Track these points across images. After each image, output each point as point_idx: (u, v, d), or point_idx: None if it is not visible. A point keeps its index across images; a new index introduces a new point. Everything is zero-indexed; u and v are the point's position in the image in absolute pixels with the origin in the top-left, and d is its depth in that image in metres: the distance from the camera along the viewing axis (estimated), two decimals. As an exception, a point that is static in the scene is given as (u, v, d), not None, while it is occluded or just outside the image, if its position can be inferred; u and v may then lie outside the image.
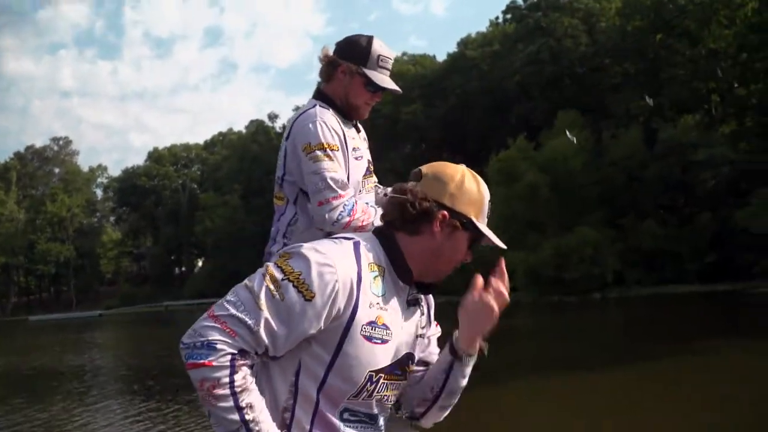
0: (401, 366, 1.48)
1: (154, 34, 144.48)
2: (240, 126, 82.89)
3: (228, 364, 1.26)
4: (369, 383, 1.40)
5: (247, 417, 1.25)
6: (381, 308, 1.41)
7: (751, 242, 26.41)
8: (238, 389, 1.26)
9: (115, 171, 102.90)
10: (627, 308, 23.17)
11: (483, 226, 1.49)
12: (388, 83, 2.26)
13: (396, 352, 1.46)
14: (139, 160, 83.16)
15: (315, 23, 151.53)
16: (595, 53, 39.16)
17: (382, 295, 1.42)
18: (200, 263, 74.08)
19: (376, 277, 1.41)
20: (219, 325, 1.28)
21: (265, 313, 1.29)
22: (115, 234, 79.07)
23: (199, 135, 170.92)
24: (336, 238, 1.47)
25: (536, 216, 31.32)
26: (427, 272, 1.49)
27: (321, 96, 2.25)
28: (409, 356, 1.51)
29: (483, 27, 55.77)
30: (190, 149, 79.35)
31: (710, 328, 15.26)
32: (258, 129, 70.42)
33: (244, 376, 1.28)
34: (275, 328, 1.30)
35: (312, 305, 1.31)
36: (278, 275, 1.34)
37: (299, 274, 1.32)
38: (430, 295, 1.62)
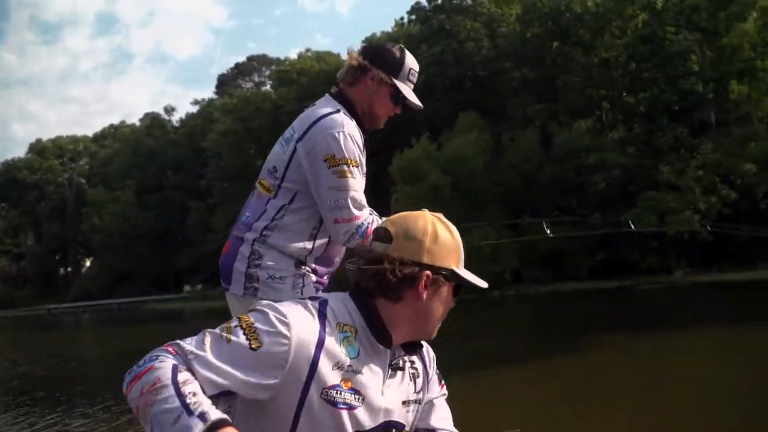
0: None
1: (41, 19, 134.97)
2: (136, 119, 78.70)
3: (170, 366, 1.20)
4: None
5: (188, 400, 1.13)
6: (351, 371, 1.32)
7: (637, 242, 28.11)
8: (180, 381, 1.16)
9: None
10: (527, 304, 23.82)
11: (464, 272, 1.42)
12: (415, 99, 2.23)
13: (369, 419, 1.34)
14: (23, 152, 77.12)
15: (217, 15, 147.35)
16: (496, 57, 40.21)
17: (353, 357, 1.33)
18: (88, 263, 69.75)
19: (346, 337, 1.34)
20: (163, 347, 1.26)
21: (209, 349, 1.25)
22: (-9, 231, 72.70)
23: (92, 128, 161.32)
24: (303, 299, 1.39)
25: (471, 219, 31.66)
26: (416, 333, 1.42)
27: (343, 100, 2.17)
28: (391, 424, 1.39)
29: (388, 27, 56.07)
30: (77, 142, 74.50)
31: (606, 322, 15.85)
32: (153, 122, 67.27)
33: (186, 375, 1.19)
34: (215, 362, 1.23)
35: (256, 355, 1.24)
36: (233, 323, 1.30)
37: (252, 323, 1.28)
38: (428, 353, 1.52)
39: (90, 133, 77.84)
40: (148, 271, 58.00)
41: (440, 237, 1.38)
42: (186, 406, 1.12)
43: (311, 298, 1.38)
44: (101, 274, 59.19)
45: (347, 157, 2.03)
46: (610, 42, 34.57)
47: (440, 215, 1.45)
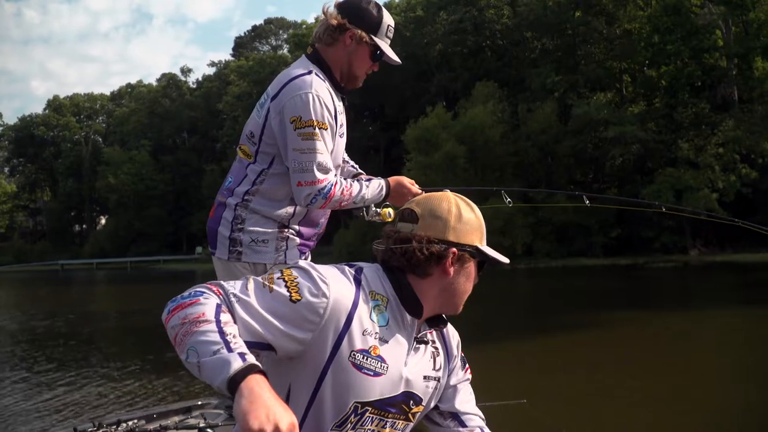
0: (396, 404, 1.41)
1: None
2: (154, 80, 78.40)
3: (214, 303, 1.24)
4: (353, 414, 1.36)
5: (228, 338, 1.17)
6: (379, 339, 1.37)
7: (653, 219, 27.76)
8: (222, 321, 1.20)
9: (12, 119, 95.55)
10: (537, 278, 23.72)
11: (487, 248, 1.47)
12: (393, 55, 2.22)
13: (391, 387, 1.39)
14: (41, 109, 77.21)
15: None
16: (516, 26, 39.41)
17: (382, 326, 1.38)
18: (103, 221, 70.40)
19: (377, 305, 1.39)
20: (206, 284, 1.31)
21: (252, 294, 1.30)
22: (9, 186, 73.35)
23: (111, 87, 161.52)
24: (341, 264, 1.44)
25: (453, 186, 31.40)
26: (444, 308, 1.47)
27: (318, 60, 2.15)
28: (410, 396, 1.44)
29: (407, -9, 54.94)
30: (94, 99, 74.40)
31: (617, 298, 15.75)
32: (170, 83, 66.97)
33: (229, 317, 1.24)
34: (256, 306, 1.28)
35: (295, 307, 1.29)
36: (275, 275, 1.35)
37: (295, 278, 1.33)
38: (453, 336, 1.57)
39: (107, 92, 77.86)
40: (163, 232, 58.43)
41: (464, 216, 1.44)
42: (227, 343, 1.16)
43: (348, 265, 1.44)
44: (116, 233, 59.63)
45: (314, 119, 2.01)
46: (633, 13, 33.76)
47: (462, 195, 1.51)
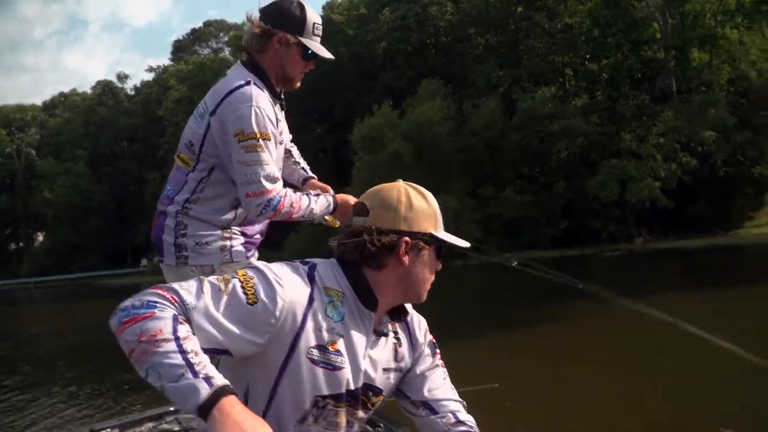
0: (356, 396, 1.42)
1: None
2: (89, 88, 75.74)
3: (170, 316, 1.20)
4: (315, 408, 1.38)
5: (191, 359, 1.16)
6: (336, 334, 1.37)
7: (600, 210, 28.17)
8: (181, 336, 1.18)
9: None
10: (490, 273, 23.59)
11: (443, 234, 1.48)
12: (325, 52, 2.20)
13: (350, 381, 1.40)
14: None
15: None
16: (460, 23, 39.43)
17: (338, 321, 1.38)
18: (41, 237, 67.41)
19: (332, 301, 1.39)
20: (159, 291, 1.25)
21: (208, 299, 1.27)
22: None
23: (45, 97, 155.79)
24: (295, 261, 1.44)
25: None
26: (406, 297, 1.48)
27: (254, 67, 2.15)
28: (369, 387, 1.45)
29: (349, -9, 54.55)
30: (25, 110, 71.25)
31: (568, 288, 15.64)
32: (105, 90, 64.71)
33: (187, 329, 1.20)
34: (213, 312, 1.25)
35: (252, 311, 1.28)
36: (230, 276, 1.34)
37: (250, 278, 1.32)
38: (419, 324, 1.57)
39: (39, 102, 74.74)
40: (104, 245, 56.25)
41: (414, 204, 1.44)
42: (191, 366, 1.14)
43: (302, 262, 1.42)
44: (54, 249, 57.20)
45: (257, 131, 2.03)
46: (574, 7, 34.18)
47: (414, 184, 1.49)
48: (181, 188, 2.18)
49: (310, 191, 2.37)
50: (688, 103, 28.90)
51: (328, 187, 2.45)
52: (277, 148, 2.14)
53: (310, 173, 2.56)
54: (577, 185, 29.28)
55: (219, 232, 2.18)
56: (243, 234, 2.24)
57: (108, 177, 57.51)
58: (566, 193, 29.87)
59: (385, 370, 1.47)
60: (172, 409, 2.73)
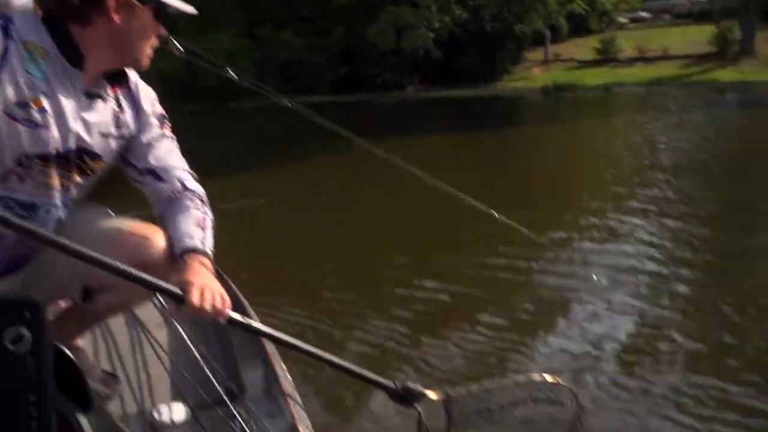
0: (69, 158, 1.38)
1: None
2: None
3: None
4: (20, 167, 1.32)
5: None
6: (39, 91, 1.30)
7: (378, 58, 28.42)
8: None
9: None
10: (264, 115, 22.84)
11: None
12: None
13: (60, 141, 1.35)
14: None
15: None
16: None
17: (40, 78, 1.30)
18: None
19: (32, 57, 1.29)
20: None
21: None
22: None
23: None
24: None
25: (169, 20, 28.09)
26: (121, 61, 1.42)
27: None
28: (84, 151, 1.41)
29: None
30: None
31: (352, 131, 15.67)
32: None
33: None
34: None
35: None
36: None
37: None
38: (144, 92, 1.51)
39: None
40: None
41: None
42: None
43: None
44: None
45: None
46: None
47: None
48: None
49: None
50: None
51: None
52: None
53: None
54: (358, 32, 28.92)
55: None
56: None
57: None
58: (346, 38, 29.45)
59: (104, 135, 1.42)
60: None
